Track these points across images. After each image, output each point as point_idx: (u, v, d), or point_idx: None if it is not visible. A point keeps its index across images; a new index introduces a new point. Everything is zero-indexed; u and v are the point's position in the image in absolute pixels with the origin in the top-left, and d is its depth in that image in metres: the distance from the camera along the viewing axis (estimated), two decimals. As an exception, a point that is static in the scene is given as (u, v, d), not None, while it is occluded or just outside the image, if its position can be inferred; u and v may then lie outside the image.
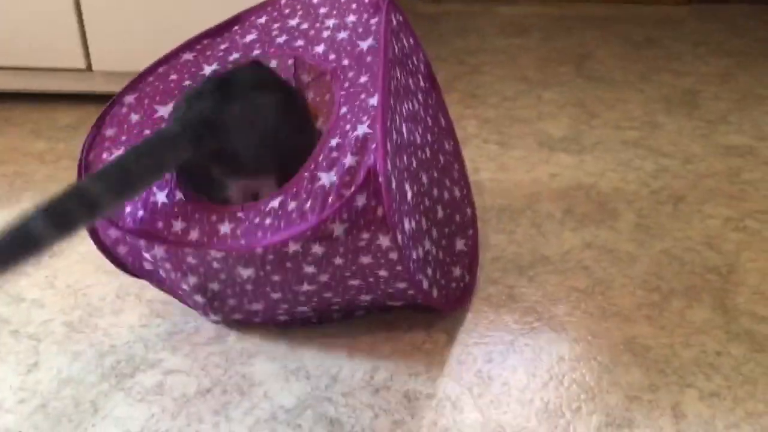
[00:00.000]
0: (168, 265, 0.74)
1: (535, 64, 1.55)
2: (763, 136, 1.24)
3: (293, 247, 0.68)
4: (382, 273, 0.71)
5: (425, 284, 0.77)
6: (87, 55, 1.24)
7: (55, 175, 1.10)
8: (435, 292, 0.79)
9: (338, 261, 0.70)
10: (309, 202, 0.68)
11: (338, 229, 0.67)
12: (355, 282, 0.73)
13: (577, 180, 1.11)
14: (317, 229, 0.66)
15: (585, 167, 1.15)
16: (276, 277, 0.71)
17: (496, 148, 1.21)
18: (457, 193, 0.88)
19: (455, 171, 0.89)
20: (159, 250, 0.72)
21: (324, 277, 0.72)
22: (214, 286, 0.74)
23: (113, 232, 0.76)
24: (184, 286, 0.76)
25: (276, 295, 0.74)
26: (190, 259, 0.71)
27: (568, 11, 1.89)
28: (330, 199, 0.67)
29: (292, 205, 0.69)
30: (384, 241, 0.68)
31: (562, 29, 1.76)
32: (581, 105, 1.36)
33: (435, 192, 0.82)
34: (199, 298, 0.77)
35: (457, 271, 0.84)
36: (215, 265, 0.71)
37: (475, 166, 1.15)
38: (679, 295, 0.86)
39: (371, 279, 0.72)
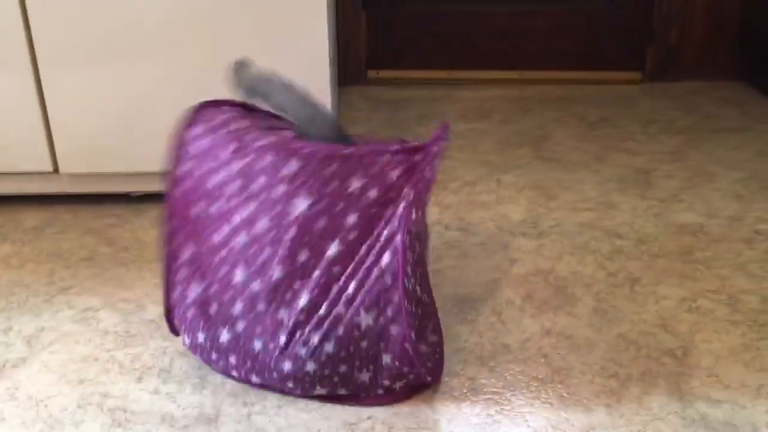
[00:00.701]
0: None
1: (495, 148, 1.60)
2: (713, 213, 1.29)
3: None
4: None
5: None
6: (54, 158, 1.26)
7: (20, 280, 1.11)
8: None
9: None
10: None
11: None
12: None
13: (535, 265, 1.14)
14: None
15: (543, 251, 1.18)
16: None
17: (458, 235, 1.24)
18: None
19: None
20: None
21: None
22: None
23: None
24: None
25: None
26: None
27: (526, 93, 1.96)
28: None
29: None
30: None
31: (521, 111, 1.82)
32: (539, 187, 1.41)
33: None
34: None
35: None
36: None
37: (437, 254, 1.17)
38: (636, 380, 0.88)
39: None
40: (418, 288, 0.84)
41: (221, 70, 1.22)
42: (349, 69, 2.03)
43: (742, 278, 1.09)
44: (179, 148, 0.86)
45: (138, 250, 1.19)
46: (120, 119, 1.24)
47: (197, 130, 0.86)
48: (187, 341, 0.88)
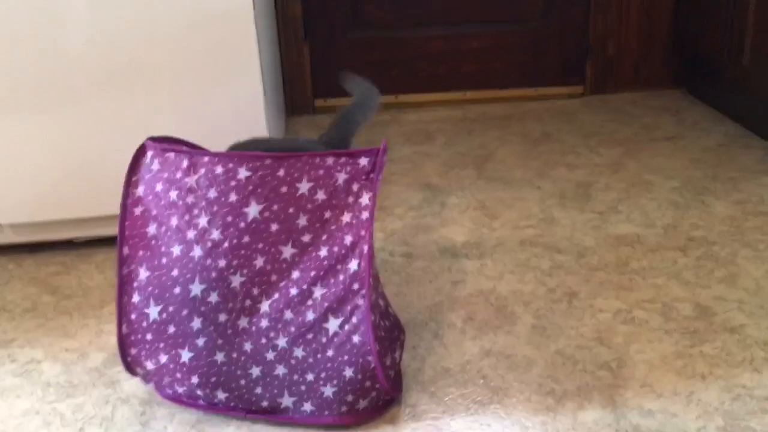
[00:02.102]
0: None
1: (440, 170, 1.63)
2: (649, 223, 1.32)
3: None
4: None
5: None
6: (-7, 209, 1.26)
7: (-39, 336, 1.10)
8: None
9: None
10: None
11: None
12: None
13: (477, 285, 1.16)
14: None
15: (485, 271, 1.20)
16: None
17: (402, 260, 1.25)
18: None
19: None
20: None
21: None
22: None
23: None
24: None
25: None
26: None
27: (469, 113, 2.00)
28: None
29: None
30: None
31: (465, 132, 1.85)
32: (482, 208, 1.43)
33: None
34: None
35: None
36: None
37: (382, 281, 1.19)
38: (572, 396, 0.90)
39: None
40: (381, 302, 0.86)
41: (159, 114, 1.23)
42: (296, 99, 2.05)
43: (676, 286, 1.12)
44: (132, 174, 0.89)
45: (82, 297, 1.19)
46: (59, 167, 1.24)
47: (149, 157, 0.89)
48: (151, 366, 0.88)
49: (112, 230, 1.31)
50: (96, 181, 1.26)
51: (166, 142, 0.91)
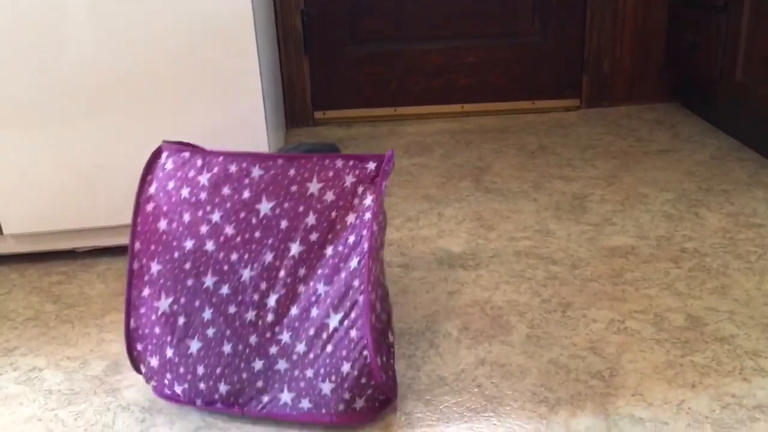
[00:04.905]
0: None
1: (437, 182, 1.65)
2: (643, 235, 1.34)
3: None
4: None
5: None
6: (-4, 219, 1.28)
7: (-36, 344, 1.12)
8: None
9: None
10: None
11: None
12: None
13: (473, 296, 1.18)
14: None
15: (481, 282, 1.22)
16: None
17: (399, 271, 1.27)
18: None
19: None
20: None
21: None
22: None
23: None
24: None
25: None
26: None
27: (467, 125, 2.02)
28: None
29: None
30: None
31: (462, 144, 1.88)
32: (479, 219, 1.45)
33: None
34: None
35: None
36: None
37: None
38: (564, 404, 0.91)
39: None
40: (378, 304, 0.89)
41: (160, 126, 1.25)
42: (295, 111, 2.07)
43: (669, 297, 1.14)
44: (147, 174, 0.93)
45: (84, 306, 1.21)
46: (62, 177, 1.26)
47: (164, 157, 0.94)
48: (155, 362, 0.90)
49: (114, 240, 1.34)
50: (98, 191, 1.28)
51: (181, 145, 0.96)
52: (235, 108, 1.26)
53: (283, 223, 0.87)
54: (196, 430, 0.90)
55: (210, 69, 1.23)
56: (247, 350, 0.87)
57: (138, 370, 0.93)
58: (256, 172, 0.88)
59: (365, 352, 0.84)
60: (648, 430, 0.86)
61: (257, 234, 0.87)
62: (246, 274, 0.87)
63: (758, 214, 1.40)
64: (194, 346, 0.88)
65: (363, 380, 0.86)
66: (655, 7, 2.00)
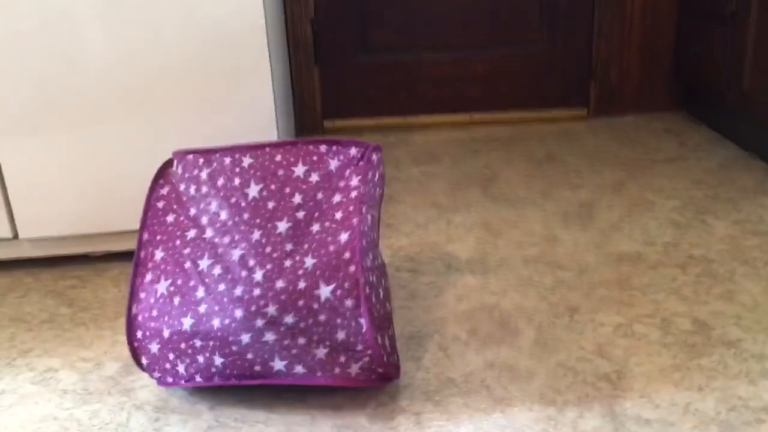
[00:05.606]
0: None
1: (446, 190, 1.66)
2: (650, 241, 1.36)
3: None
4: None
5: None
6: (13, 224, 1.30)
7: (-19, 345, 1.14)
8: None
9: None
10: None
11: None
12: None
13: (481, 301, 1.19)
14: None
15: (489, 287, 1.23)
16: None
17: (408, 276, 1.29)
18: None
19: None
20: None
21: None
22: None
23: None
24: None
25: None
26: None
27: (476, 134, 2.04)
28: None
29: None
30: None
31: (470, 152, 1.89)
32: (487, 226, 1.47)
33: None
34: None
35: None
36: None
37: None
38: (572, 405, 0.93)
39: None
40: (373, 278, 0.93)
41: (173, 134, 1.28)
42: (305, 120, 2.10)
43: (676, 302, 1.15)
44: (158, 180, 1.00)
45: (98, 309, 1.23)
46: (76, 183, 1.28)
47: (174, 164, 1.01)
48: (155, 348, 0.93)
49: (128, 245, 1.36)
50: (112, 197, 1.30)
51: (189, 151, 1.01)
52: (247, 117, 1.29)
53: (270, 204, 0.92)
54: (209, 429, 0.92)
55: (223, 78, 1.26)
56: (234, 325, 0.88)
57: (140, 364, 0.96)
58: (247, 161, 0.95)
59: (360, 320, 0.87)
60: (655, 431, 0.87)
61: (246, 215, 0.92)
62: (236, 253, 0.91)
63: (765, 222, 1.41)
64: (187, 323, 0.90)
65: (359, 347, 0.89)
66: (662, 17, 2.02)
